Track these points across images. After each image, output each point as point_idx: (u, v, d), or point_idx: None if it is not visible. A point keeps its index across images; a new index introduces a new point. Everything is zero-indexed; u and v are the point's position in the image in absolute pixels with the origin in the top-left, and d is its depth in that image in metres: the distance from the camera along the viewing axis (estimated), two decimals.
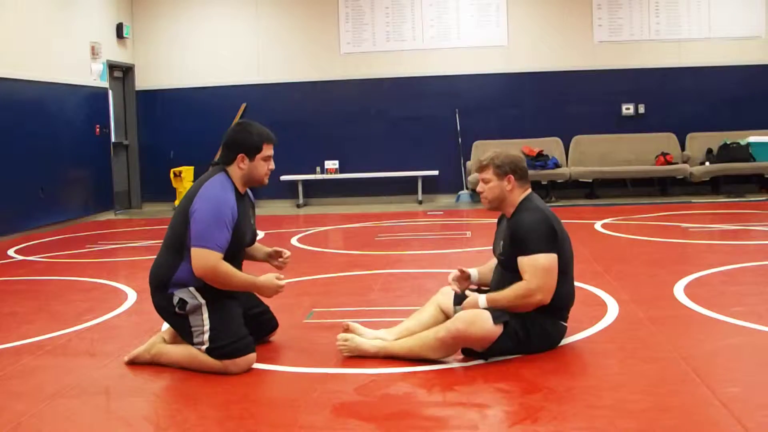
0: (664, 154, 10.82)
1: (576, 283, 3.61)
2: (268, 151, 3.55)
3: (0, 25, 8.65)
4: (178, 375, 3.37)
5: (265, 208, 11.06)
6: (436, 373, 3.27)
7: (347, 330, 3.61)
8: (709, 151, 10.80)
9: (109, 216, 10.85)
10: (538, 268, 3.32)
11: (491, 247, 3.82)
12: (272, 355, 3.61)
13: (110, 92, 11.23)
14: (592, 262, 5.68)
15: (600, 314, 4.11)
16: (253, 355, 3.39)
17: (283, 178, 10.98)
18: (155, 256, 3.59)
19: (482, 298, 3.38)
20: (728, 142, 10.65)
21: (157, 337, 3.59)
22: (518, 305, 3.35)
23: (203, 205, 3.38)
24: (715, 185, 10.82)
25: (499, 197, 3.52)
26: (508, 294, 3.36)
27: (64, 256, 7.15)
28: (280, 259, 3.75)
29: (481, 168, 3.54)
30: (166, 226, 3.62)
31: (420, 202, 11.26)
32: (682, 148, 11.06)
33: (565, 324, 3.54)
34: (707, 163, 10.62)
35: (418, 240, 7.64)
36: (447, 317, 3.68)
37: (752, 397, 2.87)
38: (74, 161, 10.12)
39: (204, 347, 3.35)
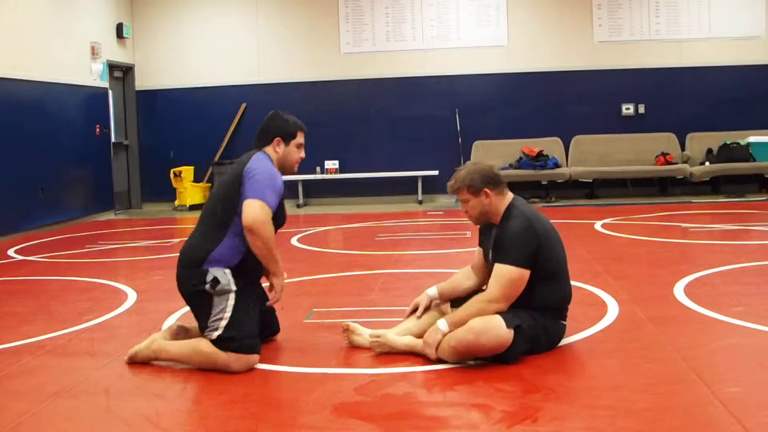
0: (664, 154, 10.82)
1: (576, 283, 3.63)
2: (300, 138, 3.71)
3: (0, 25, 8.65)
4: (179, 375, 3.37)
5: None
6: (436, 373, 3.27)
7: (347, 330, 3.62)
8: (709, 151, 10.80)
9: (109, 216, 10.85)
10: (505, 279, 3.33)
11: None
12: (272, 355, 3.61)
13: (110, 92, 11.24)
14: (592, 262, 5.68)
15: (600, 314, 4.11)
16: (256, 357, 3.42)
17: (283, 177, 10.95)
18: (190, 234, 3.61)
19: (441, 323, 3.36)
20: (728, 142, 10.65)
21: (157, 333, 3.61)
22: (479, 315, 3.32)
23: (260, 168, 3.50)
24: (715, 185, 10.82)
25: (483, 212, 3.51)
26: (468, 309, 3.36)
27: (64, 256, 7.15)
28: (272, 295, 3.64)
29: (455, 191, 3.54)
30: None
31: (420, 202, 11.27)
32: (682, 148, 11.06)
33: (564, 323, 3.54)
34: (707, 163, 10.62)
35: (418, 240, 7.64)
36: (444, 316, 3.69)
37: (752, 397, 2.87)
38: (74, 161, 10.12)
39: (216, 333, 3.36)
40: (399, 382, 3.19)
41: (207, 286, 3.41)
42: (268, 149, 3.66)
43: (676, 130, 11.08)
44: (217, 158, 11.58)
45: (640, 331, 3.82)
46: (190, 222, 10.25)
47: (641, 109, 11.24)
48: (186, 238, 3.66)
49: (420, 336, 3.57)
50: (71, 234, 8.86)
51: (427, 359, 3.39)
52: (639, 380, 3.09)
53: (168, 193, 11.62)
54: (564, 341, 3.56)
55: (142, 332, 4.09)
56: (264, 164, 3.54)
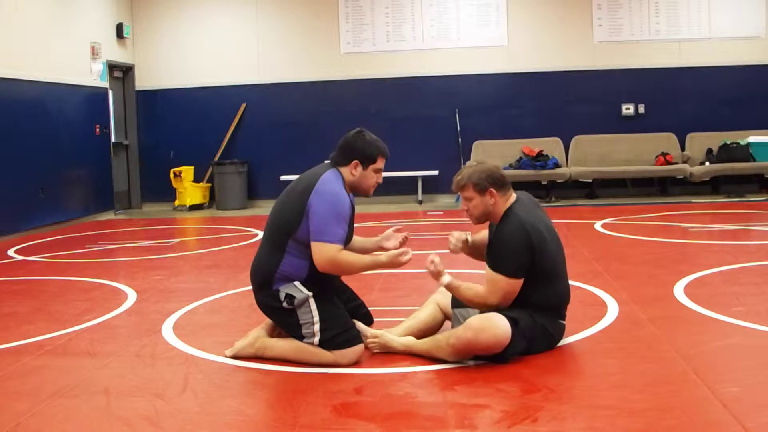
0: (664, 154, 10.82)
1: (576, 283, 3.63)
2: (380, 164, 3.60)
3: (0, 25, 8.65)
4: (178, 374, 3.37)
5: (265, 209, 11.06)
6: (436, 373, 3.27)
7: (377, 338, 3.62)
8: (709, 151, 10.80)
9: (109, 216, 10.85)
10: (498, 288, 3.37)
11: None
12: None
13: (110, 92, 11.24)
14: (592, 262, 5.68)
15: (600, 314, 4.11)
16: (361, 346, 3.44)
17: (283, 178, 10.97)
18: (257, 251, 3.57)
19: (446, 278, 3.46)
20: (728, 142, 10.65)
21: (259, 330, 3.59)
22: (472, 304, 3.47)
23: (321, 201, 3.39)
24: (715, 185, 10.82)
25: (485, 212, 3.50)
26: (468, 292, 3.44)
27: (64, 256, 7.15)
28: (402, 236, 3.74)
29: (460, 188, 3.52)
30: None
31: (420, 202, 11.26)
32: (682, 148, 11.06)
33: (563, 322, 3.54)
34: (707, 163, 10.62)
35: (418, 240, 7.63)
36: (446, 316, 3.70)
37: (752, 397, 2.87)
38: (74, 161, 10.12)
39: (315, 339, 3.38)
40: (399, 382, 3.19)
41: (284, 305, 3.41)
42: (344, 170, 3.56)
43: (676, 130, 11.08)
44: (217, 158, 11.58)
45: (640, 331, 3.82)
46: (190, 222, 10.26)
47: (641, 109, 11.24)
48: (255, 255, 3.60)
49: (420, 336, 3.57)
50: (71, 234, 8.86)
51: (427, 359, 3.39)
52: (639, 380, 3.09)
53: (168, 193, 11.61)
54: (564, 341, 3.56)
55: (142, 332, 4.10)
56: (326, 195, 3.40)
